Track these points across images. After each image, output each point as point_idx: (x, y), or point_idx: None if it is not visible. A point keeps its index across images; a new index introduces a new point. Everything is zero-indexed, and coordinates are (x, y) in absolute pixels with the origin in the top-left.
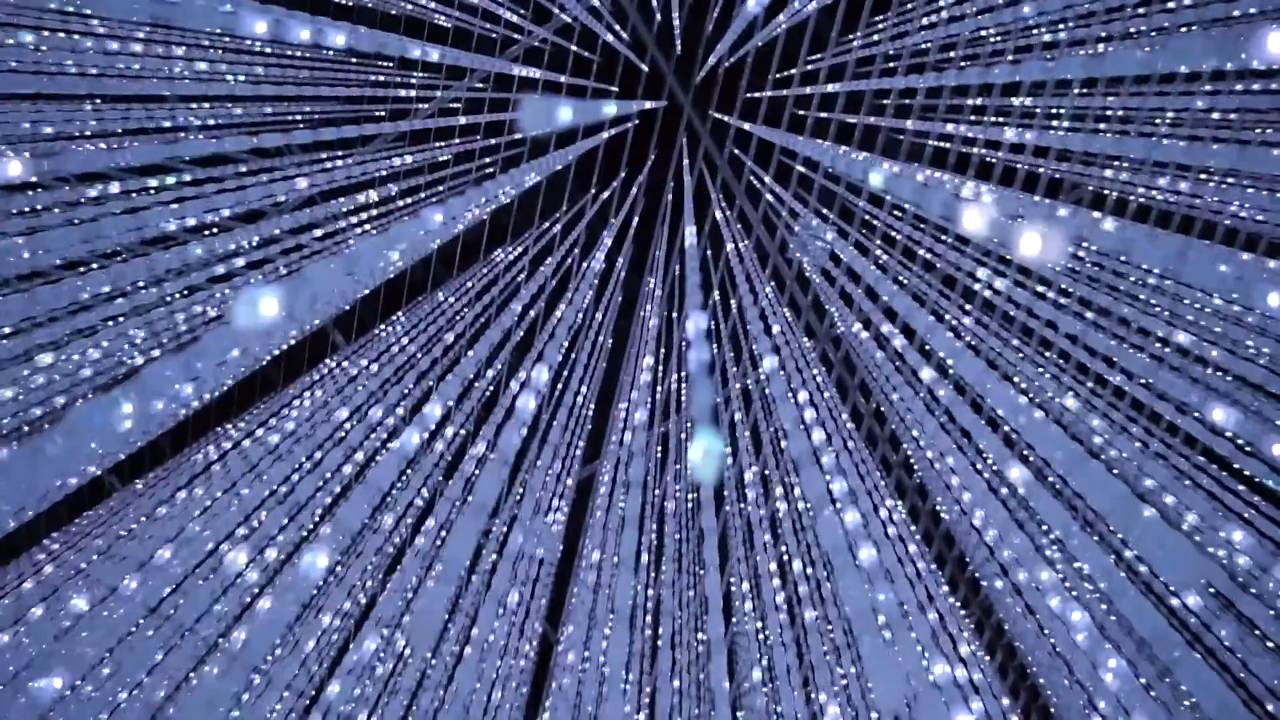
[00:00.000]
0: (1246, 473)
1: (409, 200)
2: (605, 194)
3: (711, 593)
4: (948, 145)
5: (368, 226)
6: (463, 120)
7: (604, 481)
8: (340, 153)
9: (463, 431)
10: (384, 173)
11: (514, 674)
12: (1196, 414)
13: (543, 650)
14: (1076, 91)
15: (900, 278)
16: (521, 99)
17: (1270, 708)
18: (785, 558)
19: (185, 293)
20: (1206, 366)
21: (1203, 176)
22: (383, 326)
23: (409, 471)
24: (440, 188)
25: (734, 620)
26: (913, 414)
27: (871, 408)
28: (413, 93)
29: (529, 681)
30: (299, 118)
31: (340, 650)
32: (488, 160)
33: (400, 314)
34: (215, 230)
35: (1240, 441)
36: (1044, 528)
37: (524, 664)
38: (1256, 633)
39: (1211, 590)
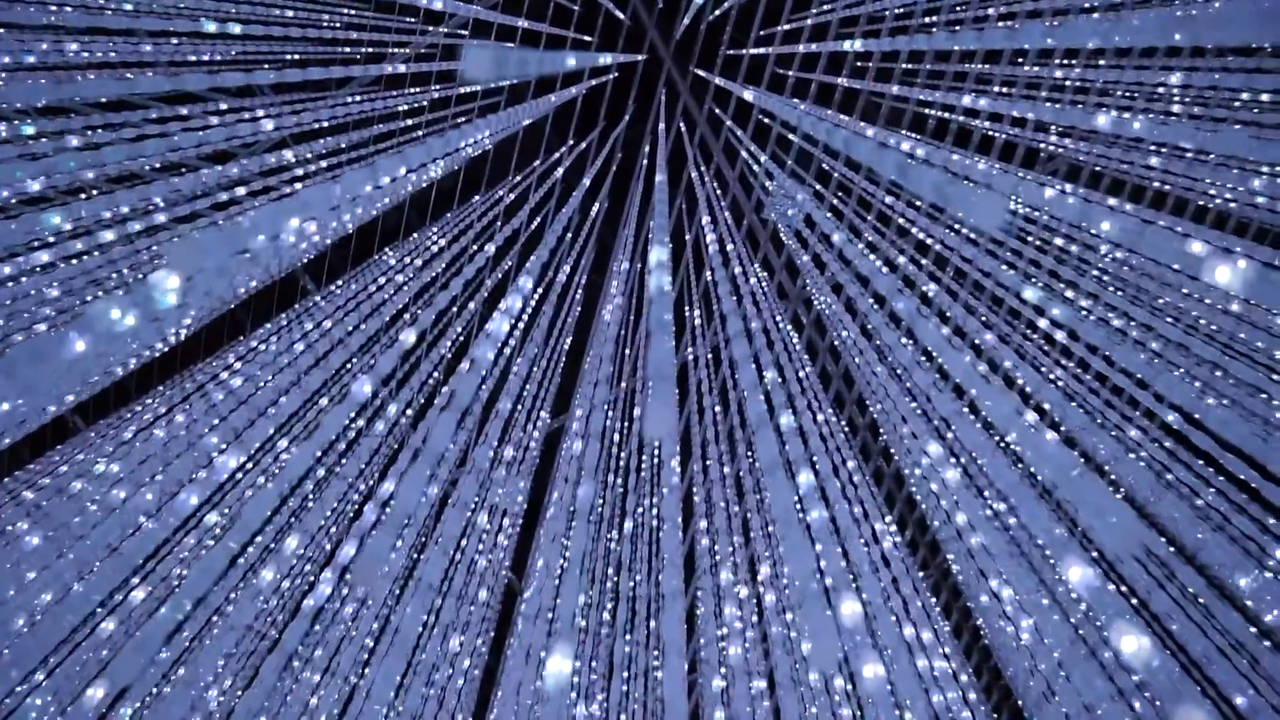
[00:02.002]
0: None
1: (375, 148)
2: (582, 145)
3: (670, 547)
4: (927, 111)
5: (338, 171)
6: (440, 66)
7: (571, 434)
8: (313, 95)
9: (429, 382)
10: (356, 117)
11: (476, 622)
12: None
13: (508, 599)
14: (1058, 62)
15: (872, 242)
16: (467, 46)
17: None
18: (745, 516)
19: (148, 231)
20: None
21: (1193, 157)
22: (352, 273)
23: (366, 419)
24: (416, 134)
25: (695, 576)
26: (878, 378)
27: (840, 370)
28: (389, 37)
29: (493, 629)
30: (268, 59)
31: (303, 595)
32: (462, 109)
33: (371, 259)
34: (183, 170)
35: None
36: (997, 490)
37: (487, 612)
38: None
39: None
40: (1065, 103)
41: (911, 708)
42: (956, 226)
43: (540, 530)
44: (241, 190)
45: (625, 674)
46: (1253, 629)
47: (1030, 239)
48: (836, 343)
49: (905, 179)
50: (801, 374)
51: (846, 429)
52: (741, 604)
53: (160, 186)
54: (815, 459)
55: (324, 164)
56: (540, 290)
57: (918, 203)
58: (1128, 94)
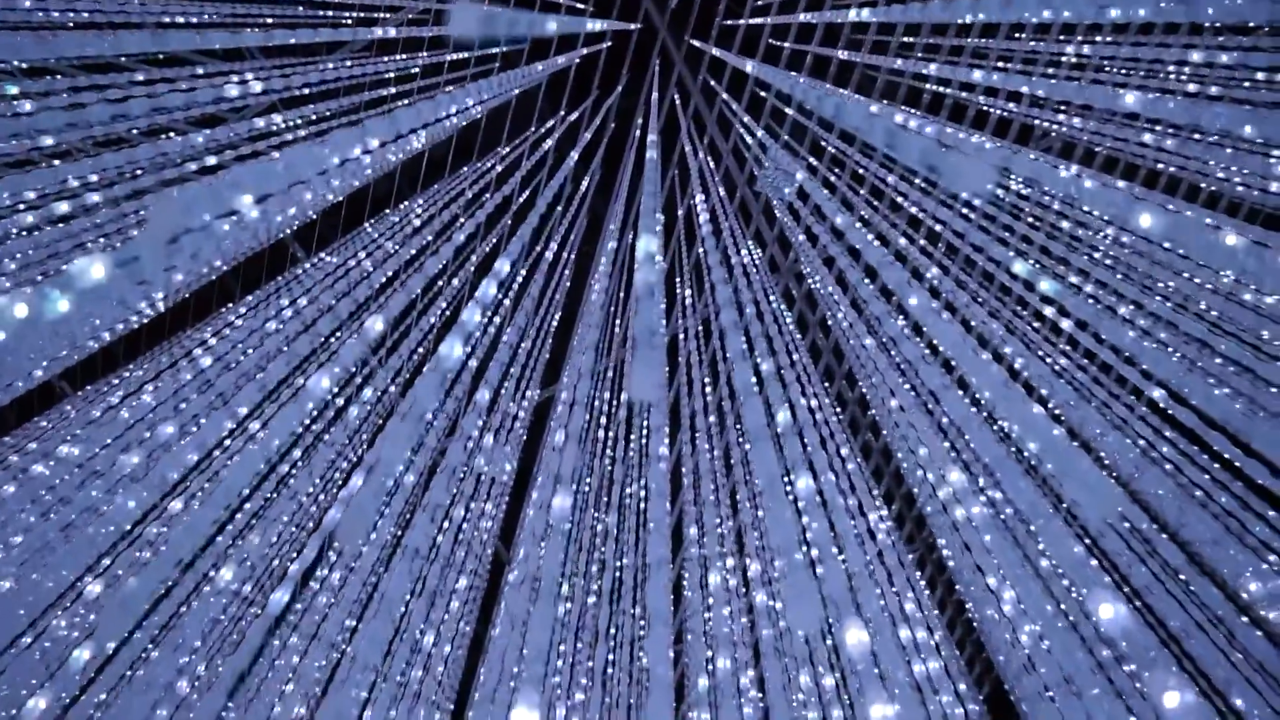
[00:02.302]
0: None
1: (365, 114)
2: (574, 115)
3: (657, 516)
4: (924, 86)
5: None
6: (432, 31)
7: (561, 403)
8: (302, 60)
9: (420, 350)
10: (346, 83)
11: (463, 590)
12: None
13: (496, 568)
14: (1059, 38)
15: (864, 215)
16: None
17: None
18: (733, 487)
19: (132, 195)
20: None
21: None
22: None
23: (353, 385)
24: (406, 100)
25: (683, 547)
26: (867, 351)
27: (830, 344)
28: (380, 1)
29: (480, 596)
30: (254, 20)
31: (290, 561)
32: (454, 76)
33: (362, 228)
34: (169, 135)
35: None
36: (981, 461)
37: (476, 580)
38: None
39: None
40: (1060, 77)
41: (892, 676)
42: (949, 203)
43: (529, 500)
44: (229, 154)
45: (611, 643)
46: (1232, 604)
47: (1022, 214)
48: (828, 317)
49: (893, 146)
50: (790, 346)
51: (835, 403)
52: (728, 574)
53: (146, 149)
54: (802, 430)
55: (313, 130)
56: (531, 259)
57: (911, 178)
58: (1124, 70)
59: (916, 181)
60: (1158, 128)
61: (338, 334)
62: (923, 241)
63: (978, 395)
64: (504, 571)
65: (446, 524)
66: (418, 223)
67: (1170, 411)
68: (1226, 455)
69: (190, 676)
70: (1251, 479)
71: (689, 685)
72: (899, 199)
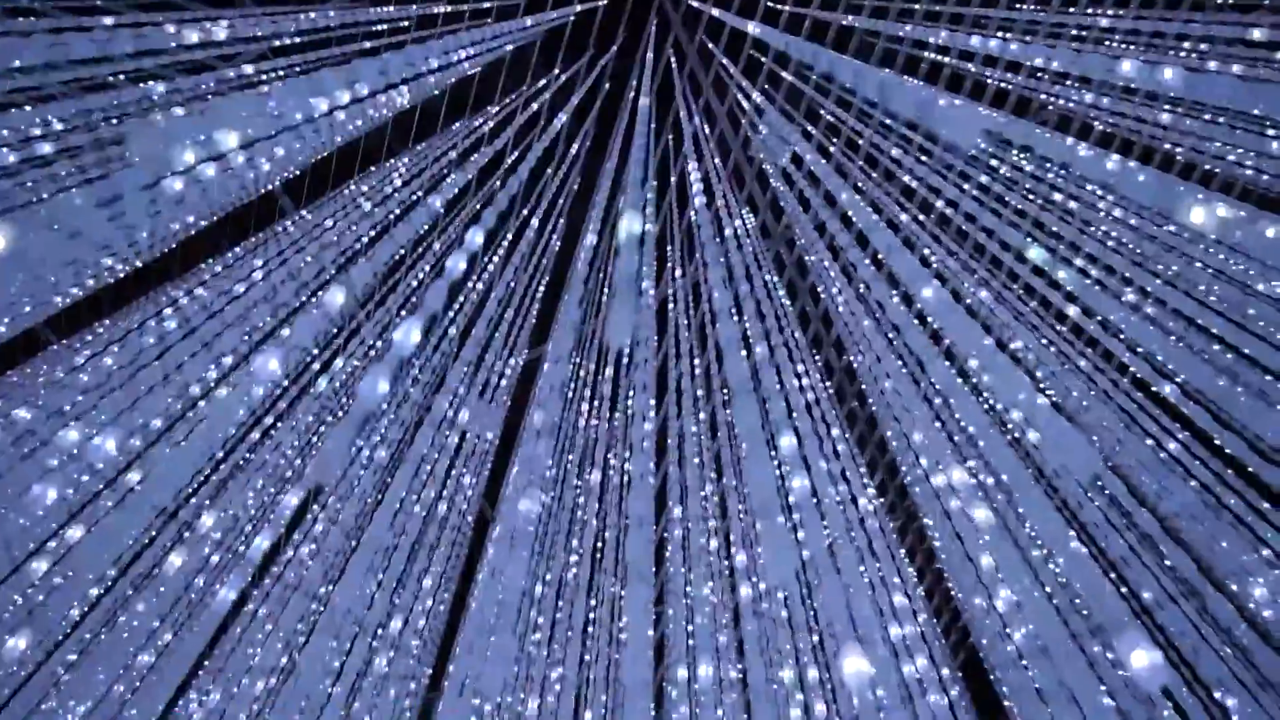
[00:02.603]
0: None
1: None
2: (568, 73)
3: (641, 474)
4: (922, 54)
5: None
6: None
7: (549, 363)
8: (293, 8)
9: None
10: (339, 33)
11: (448, 545)
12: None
13: (480, 526)
14: (1056, 10)
15: (858, 184)
16: None
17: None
18: (718, 453)
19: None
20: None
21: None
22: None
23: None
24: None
25: (667, 506)
26: (855, 316)
27: (820, 312)
28: None
29: (464, 554)
30: None
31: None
32: (449, 29)
33: (350, 180)
34: (156, 79)
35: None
36: (961, 424)
37: (459, 536)
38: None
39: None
40: (1057, 44)
41: (869, 640)
42: (944, 172)
43: (515, 458)
44: (219, 99)
45: (591, 603)
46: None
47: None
48: (817, 284)
49: (885, 98)
50: (778, 312)
51: (823, 370)
52: (709, 536)
53: (132, 92)
54: (786, 389)
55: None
56: (519, 216)
57: (906, 144)
58: (1124, 42)
59: (912, 147)
60: (1154, 102)
61: (322, 288)
62: (915, 211)
63: (963, 363)
64: (487, 530)
65: (429, 475)
66: (407, 176)
67: (1153, 386)
68: (1207, 430)
69: (173, 624)
70: (1230, 455)
71: (669, 645)
72: (893, 166)
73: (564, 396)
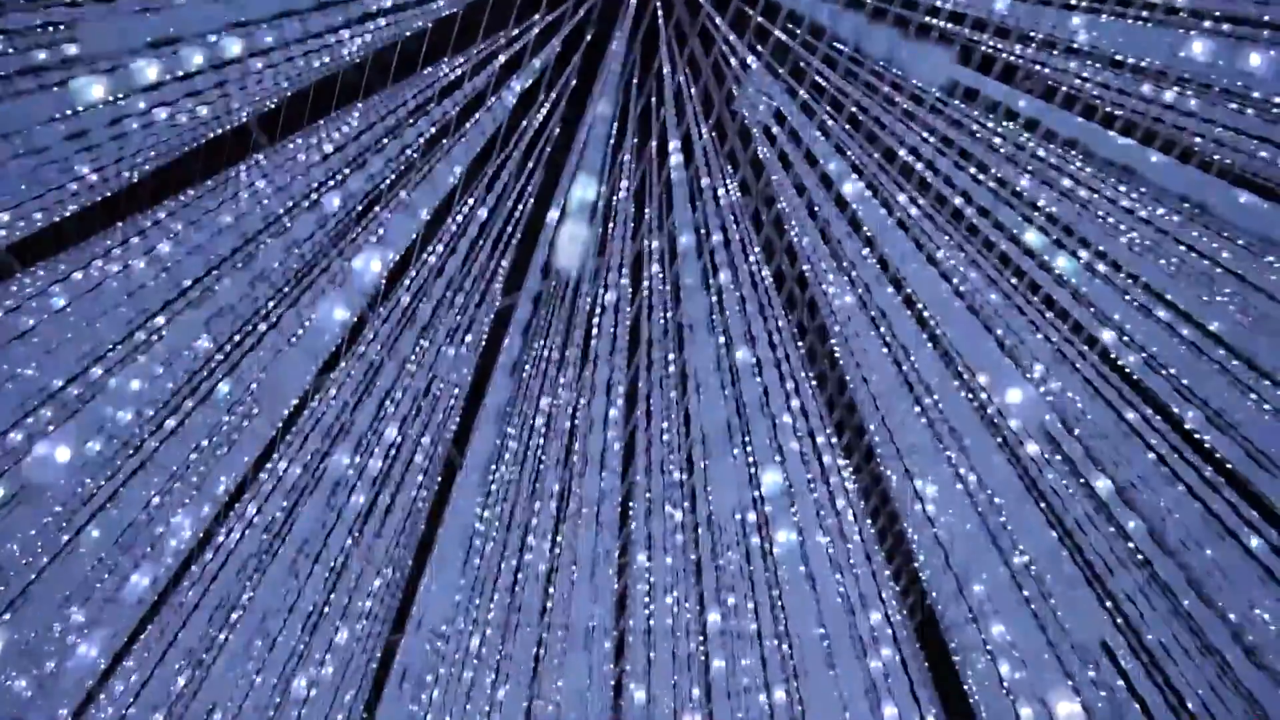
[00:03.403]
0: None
1: None
2: (552, 16)
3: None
4: (910, 14)
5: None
6: None
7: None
8: None
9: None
10: None
11: (416, 488)
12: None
13: (448, 474)
14: None
15: (840, 145)
16: None
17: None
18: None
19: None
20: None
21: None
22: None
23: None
24: None
25: (632, 462)
26: (830, 277)
27: (795, 272)
28: None
29: (430, 500)
30: None
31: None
32: None
33: (328, 116)
34: None
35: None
36: (924, 385)
37: (427, 480)
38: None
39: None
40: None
41: (825, 595)
42: (926, 136)
43: (483, 407)
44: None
45: (558, 549)
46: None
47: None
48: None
49: (860, 39)
50: (753, 270)
51: (796, 330)
52: (674, 488)
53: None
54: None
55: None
56: (498, 158)
57: (890, 103)
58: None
59: (894, 112)
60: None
61: (293, 213)
62: (896, 175)
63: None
64: (454, 477)
65: (393, 411)
66: (384, 112)
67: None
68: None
69: (132, 555)
70: (1190, 431)
71: (630, 598)
72: (875, 126)
73: (523, 336)
